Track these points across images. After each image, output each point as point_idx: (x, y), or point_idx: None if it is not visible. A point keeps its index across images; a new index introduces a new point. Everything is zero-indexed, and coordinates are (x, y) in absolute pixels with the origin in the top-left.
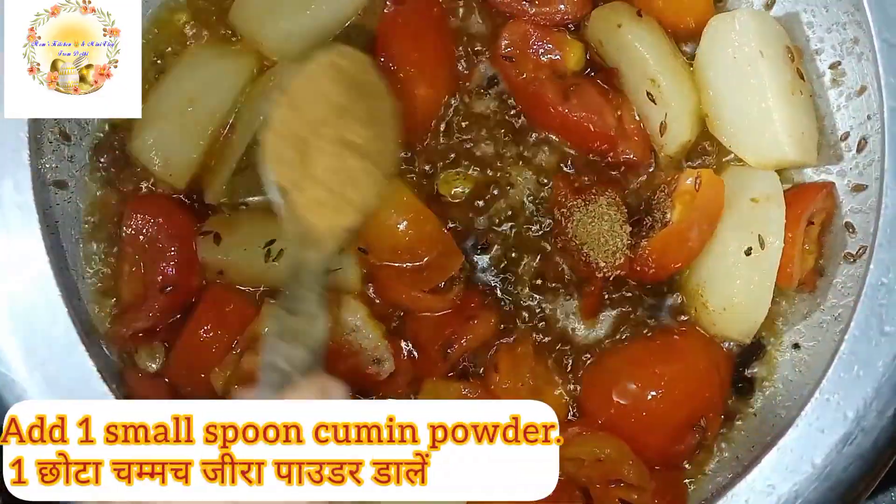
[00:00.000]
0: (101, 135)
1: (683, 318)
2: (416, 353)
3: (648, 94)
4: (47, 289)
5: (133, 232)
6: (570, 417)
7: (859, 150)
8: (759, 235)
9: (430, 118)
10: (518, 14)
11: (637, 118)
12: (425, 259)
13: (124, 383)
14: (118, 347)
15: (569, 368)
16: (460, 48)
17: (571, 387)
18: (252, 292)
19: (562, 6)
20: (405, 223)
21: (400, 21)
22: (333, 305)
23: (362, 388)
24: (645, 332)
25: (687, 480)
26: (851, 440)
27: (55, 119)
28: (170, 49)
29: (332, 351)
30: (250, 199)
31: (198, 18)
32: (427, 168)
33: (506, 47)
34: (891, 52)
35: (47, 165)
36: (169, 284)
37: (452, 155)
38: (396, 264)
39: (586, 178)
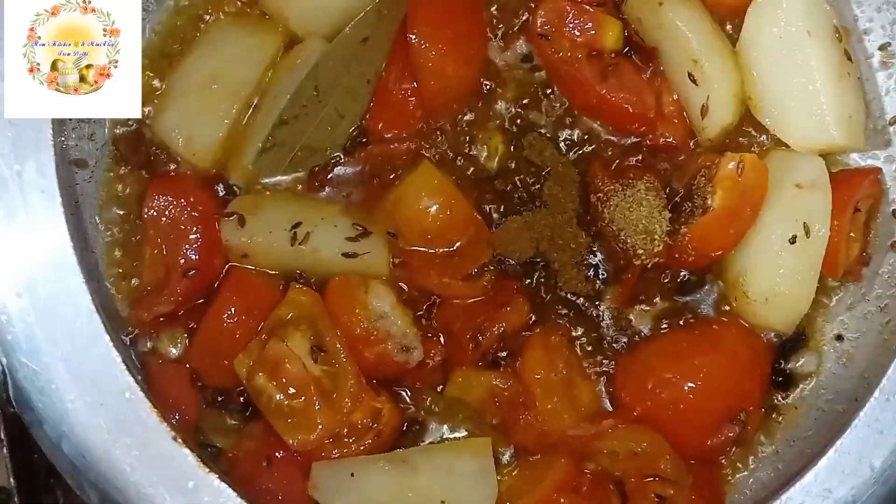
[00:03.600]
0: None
1: (723, 307)
2: (446, 341)
3: (690, 75)
4: (70, 277)
5: (155, 213)
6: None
7: None
8: (805, 223)
9: (462, 96)
10: None
11: (677, 100)
12: (457, 245)
13: (146, 371)
14: (139, 331)
15: (604, 359)
16: (496, 23)
17: (607, 378)
18: (277, 276)
19: None
20: (436, 206)
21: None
22: (361, 290)
23: (391, 376)
24: (682, 321)
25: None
26: None
27: None
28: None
29: (360, 338)
30: (276, 178)
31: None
32: (458, 147)
33: (542, 24)
34: None
35: (68, 143)
36: (191, 268)
37: (486, 135)
38: (427, 249)
39: (625, 162)
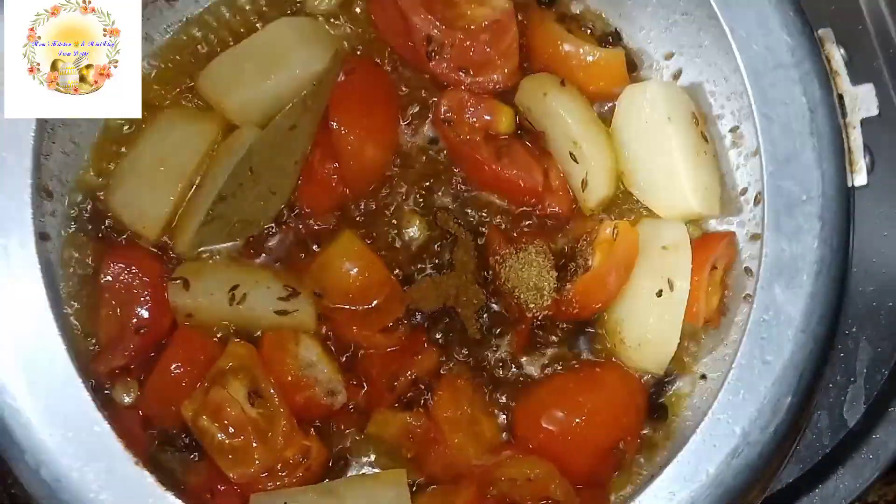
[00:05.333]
0: (80, 195)
1: (604, 353)
2: (366, 386)
3: (571, 154)
4: (47, 331)
5: (110, 279)
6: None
7: (755, 204)
8: (669, 279)
9: (377, 175)
10: (455, 83)
11: (562, 175)
12: (374, 302)
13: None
14: (96, 383)
15: (503, 398)
16: (406, 113)
17: (506, 414)
18: (218, 332)
19: (494, 76)
20: (356, 270)
21: (350, 90)
22: (292, 342)
23: (319, 417)
24: (570, 365)
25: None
26: (739, 453)
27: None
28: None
29: (291, 384)
30: (216, 247)
31: (165, 89)
32: (375, 219)
33: (444, 112)
34: (768, 124)
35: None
36: (142, 326)
37: (399, 208)
38: (349, 307)
39: (517, 230)
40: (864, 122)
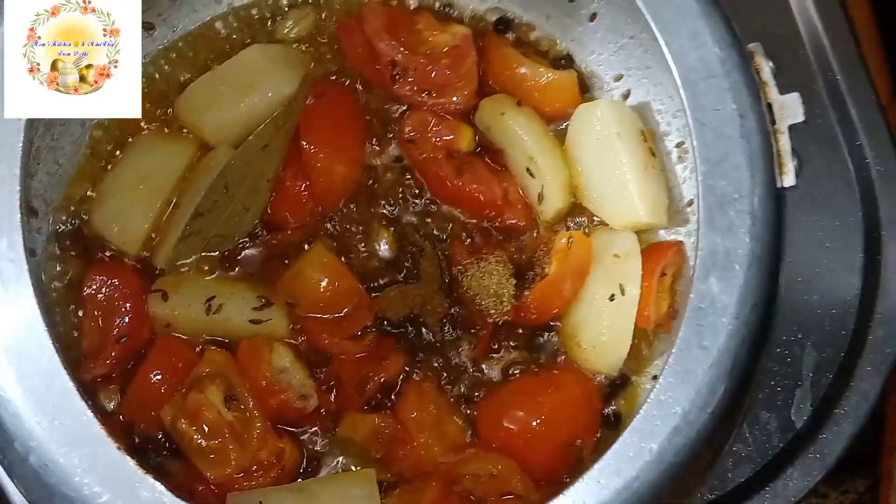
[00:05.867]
0: (64, 214)
1: (561, 356)
2: (336, 390)
3: (528, 169)
4: (35, 325)
5: (93, 291)
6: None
7: None
8: (620, 284)
9: (346, 191)
10: (419, 104)
11: (520, 190)
12: (344, 311)
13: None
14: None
15: (467, 400)
16: (373, 133)
17: (469, 415)
18: (196, 341)
19: (455, 98)
20: (326, 281)
21: (320, 111)
22: (266, 350)
23: (293, 420)
24: (530, 368)
25: None
26: (680, 431)
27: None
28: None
29: (265, 389)
30: (193, 260)
31: (149, 116)
32: (344, 232)
33: (409, 132)
34: (701, 129)
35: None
36: (123, 336)
37: (367, 222)
38: (319, 315)
39: (479, 241)
40: (794, 130)
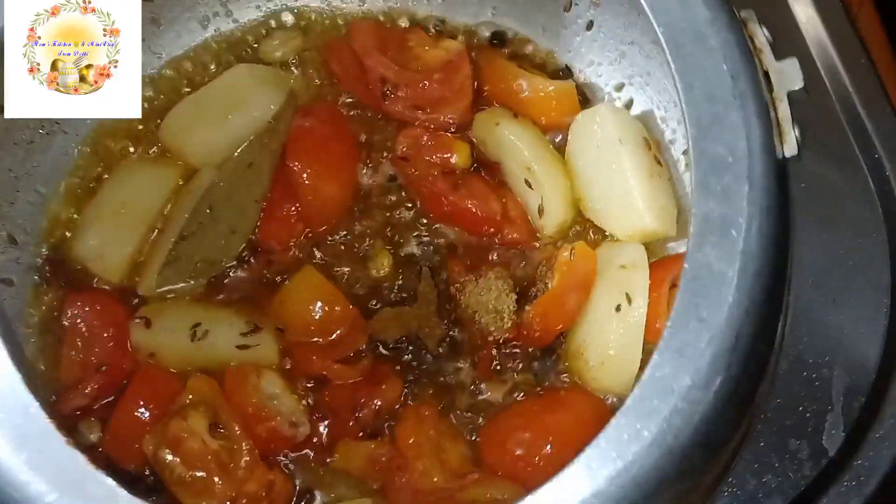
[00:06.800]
0: (45, 248)
1: (569, 378)
2: (330, 418)
3: (526, 181)
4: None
5: (73, 320)
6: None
7: None
8: (627, 294)
9: (336, 212)
10: (411, 121)
11: (520, 204)
12: (336, 334)
13: None
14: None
15: (469, 425)
16: (365, 152)
17: (472, 441)
18: (181, 370)
19: (449, 113)
20: (316, 304)
21: (308, 130)
22: (253, 375)
23: (284, 450)
24: (535, 391)
25: None
26: (679, 412)
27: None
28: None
29: (253, 416)
30: (179, 286)
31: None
32: (336, 254)
33: (401, 150)
34: (690, 91)
35: None
36: (104, 365)
37: (360, 243)
38: (311, 339)
39: (478, 258)
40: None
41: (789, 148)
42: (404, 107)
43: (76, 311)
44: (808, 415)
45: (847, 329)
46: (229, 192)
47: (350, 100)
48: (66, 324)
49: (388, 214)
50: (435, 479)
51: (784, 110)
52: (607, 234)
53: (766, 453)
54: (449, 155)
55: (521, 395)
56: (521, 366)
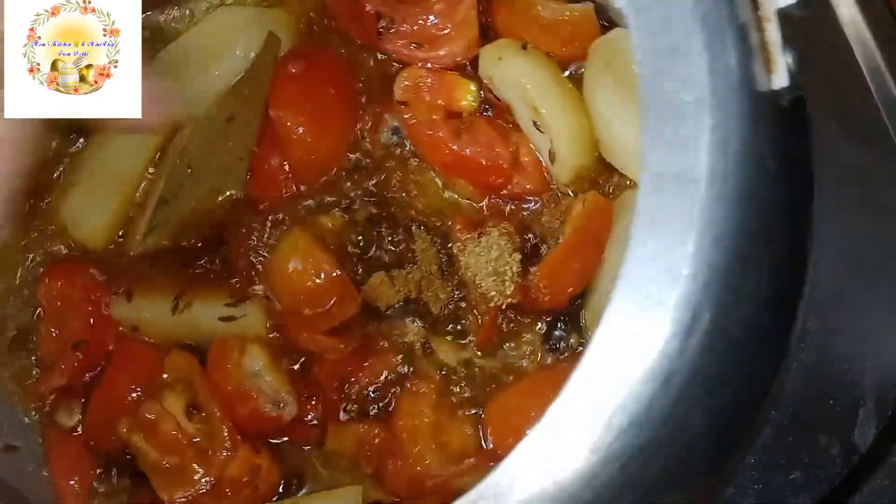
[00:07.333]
0: None
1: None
2: (319, 397)
3: (534, 122)
4: None
5: (50, 294)
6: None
7: None
8: None
9: (328, 168)
10: (410, 60)
11: (533, 149)
12: (329, 304)
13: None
14: (38, 405)
15: (473, 403)
16: (364, 101)
17: (478, 420)
18: (163, 345)
19: (452, 49)
20: (305, 269)
21: (293, 75)
22: (236, 351)
23: (271, 432)
24: (548, 362)
25: None
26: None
27: None
28: None
29: (233, 395)
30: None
31: None
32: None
33: (400, 93)
34: (642, 18)
35: None
36: (82, 341)
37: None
38: (301, 310)
39: (485, 213)
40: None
41: (779, 78)
42: (401, 44)
43: (52, 285)
44: (838, 409)
45: (881, 318)
46: (209, 150)
47: (348, 42)
48: (43, 298)
49: (386, 169)
50: (429, 464)
51: (772, 31)
52: (629, 180)
53: (794, 449)
54: (452, 96)
55: (530, 364)
56: (527, 336)
